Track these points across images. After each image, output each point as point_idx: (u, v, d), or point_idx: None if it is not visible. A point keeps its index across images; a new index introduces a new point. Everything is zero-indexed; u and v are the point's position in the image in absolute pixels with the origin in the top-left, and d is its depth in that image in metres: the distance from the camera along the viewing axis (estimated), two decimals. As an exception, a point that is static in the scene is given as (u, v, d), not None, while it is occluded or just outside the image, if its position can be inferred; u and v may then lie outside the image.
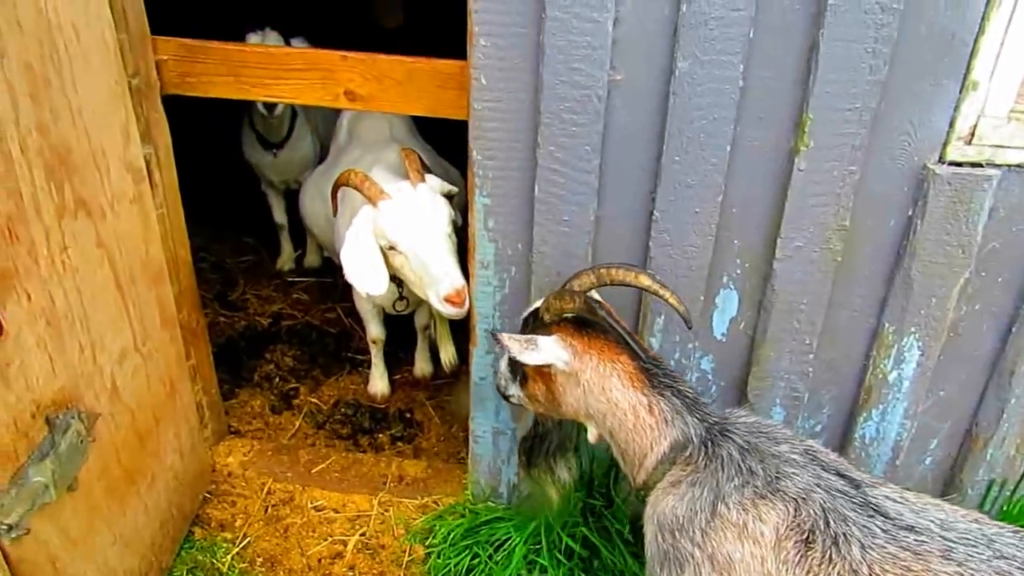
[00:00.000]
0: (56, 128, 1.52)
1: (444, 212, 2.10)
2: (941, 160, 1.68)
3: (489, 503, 2.29)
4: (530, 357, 1.53)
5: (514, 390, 1.70)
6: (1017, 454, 1.99)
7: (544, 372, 1.59)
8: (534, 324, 1.62)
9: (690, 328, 1.63)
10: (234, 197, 3.94)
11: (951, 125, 1.65)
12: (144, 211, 1.92)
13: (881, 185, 1.72)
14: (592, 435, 1.61)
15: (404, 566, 2.23)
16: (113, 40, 1.75)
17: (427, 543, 2.26)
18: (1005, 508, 2.05)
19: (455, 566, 2.15)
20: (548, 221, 1.81)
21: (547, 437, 1.81)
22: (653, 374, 1.50)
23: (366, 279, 2.08)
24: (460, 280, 2.01)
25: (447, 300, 2.01)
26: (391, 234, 2.05)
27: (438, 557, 2.19)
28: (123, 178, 1.81)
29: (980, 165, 1.67)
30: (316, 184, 2.90)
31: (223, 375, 2.71)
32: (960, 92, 1.62)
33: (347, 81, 1.98)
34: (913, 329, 1.84)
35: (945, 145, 1.67)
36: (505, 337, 1.54)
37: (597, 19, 1.58)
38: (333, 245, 2.75)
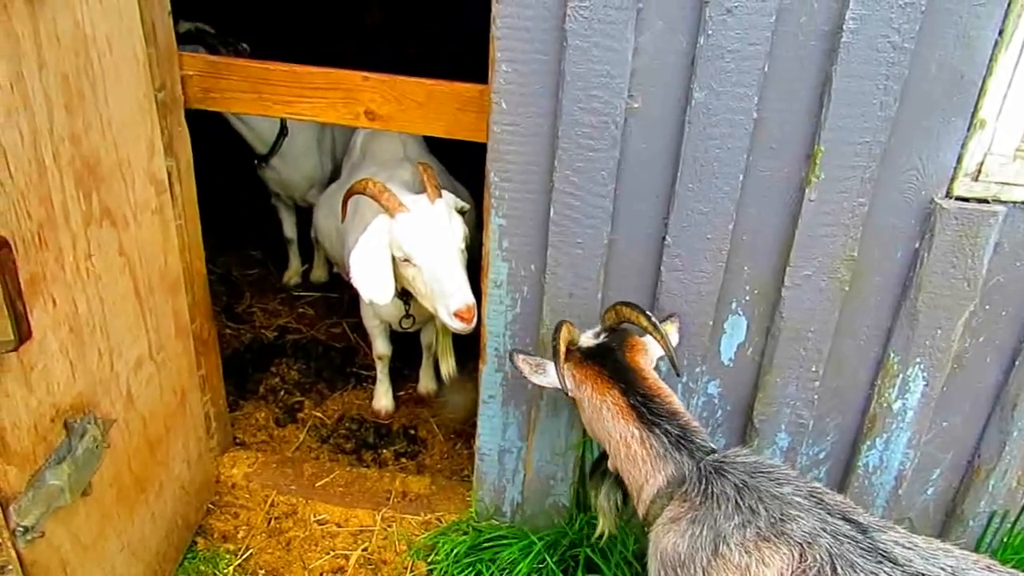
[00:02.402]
0: (87, 139, 1.55)
1: (459, 228, 2.14)
2: (948, 195, 1.72)
3: (493, 521, 2.29)
4: (538, 380, 1.67)
5: None
6: (1019, 485, 2.01)
7: (571, 396, 1.68)
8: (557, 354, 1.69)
9: (678, 375, 1.70)
10: (243, 210, 3.98)
11: (958, 161, 1.69)
12: (164, 222, 1.95)
13: (889, 217, 1.76)
14: (610, 463, 1.66)
15: (406, 583, 2.24)
16: (143, 54, 1.79)
17: (429, 560, 2.27)
18: (1006, 539, 2.06)
19: (458, 584, 2.15)
20: (562, 243, 1.84)
21: (600, 461, 1.84)
22: (641, 411, 1.54)
23: (373, 287, 2.11)
24: (471, 297, 2.05)
25: (457, 315, 2.04)
26: (408, 246, 2.08)
27: (441, 574, 2.19)
28: (146, 189, 1.84)
29: (986, 201, 1.72)
30: (331, 202, 2.94)
31: (229, 387, 2.72)
32: (968, 130, 1.66)
33: (368, 101, 2.02)
34: (918, 360, 1.87)
35: (952, 181, 1.71)
36: (520, 359, 1.68)
37: (617, 48, 1.62)
38: (342, 262, 2.78)
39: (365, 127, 2.13)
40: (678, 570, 1.39)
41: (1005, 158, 1.67)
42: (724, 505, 1.37)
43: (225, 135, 3.29)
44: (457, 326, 2.06)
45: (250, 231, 3.99)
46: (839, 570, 1.25)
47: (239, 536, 2.33)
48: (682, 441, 1.49)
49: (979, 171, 1.69)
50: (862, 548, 1.28)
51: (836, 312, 1.85)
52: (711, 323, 1.90)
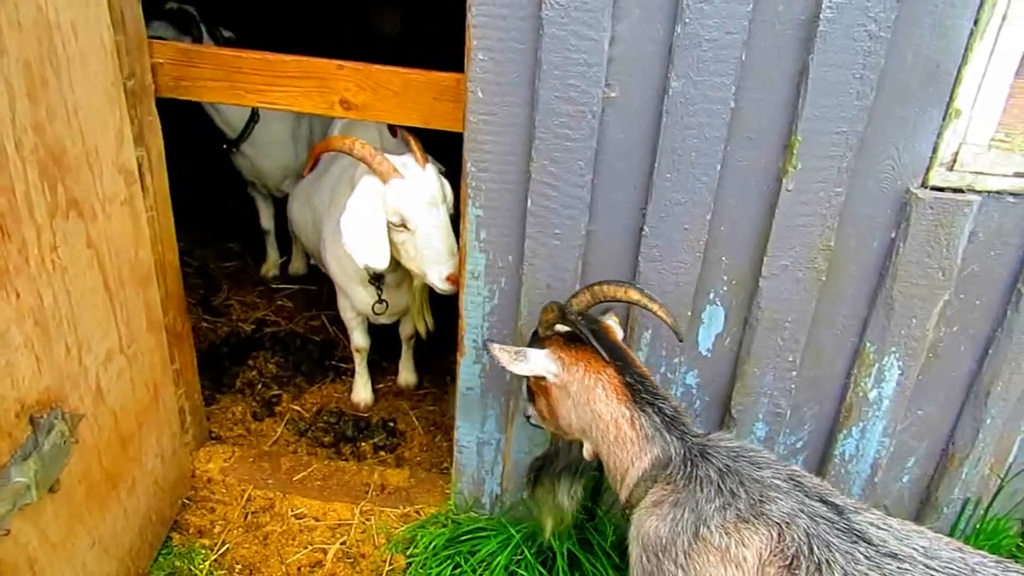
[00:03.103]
0: (52, 128, 1.51)
1: (449, 193, 2.17)
2: (924, 185, 1.73)
3: (472, 513, 2.29)
4: (519, 368, 1.59)
5: (530, 410, 1.76)
6: (991, 473, 2.03)
7: (543, 386, 1.63)
8: (534, 340, 1.67)
9: (680, 340, 1.66)
10: (220, 201, 3.93)
11: (934, 151, 1.70)
12: (135, 213, 1.91)
13: (866, 207, 1.76)
14: (587, 451, 1.63)
15: (384, 576, 2.23)
16: (111, 41, 1.75)
17: (408, 553, 2.25)
18: (979, 526, 2.09)
19: (436, 576, 2.14)
20: (540, 234, 1.83)
21: (556, 458, 1.82)
22: (636, 389, 1.52)
23: (368, 251, 2.10)
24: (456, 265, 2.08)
25: (448, 279, 2.10)
26: (406, 212, 2.09)
27: (420, 567, 2.18)
28: (115, 180, 1.80)
29: (961, 191, 1.72)
30: (305, 192, 2.91)
31: (205, 380, 2.69)
32: (943, 120, 1.67)
33: (343, 90, 1.99)
34: (894, 349, 1.88)
35: (928, 170, 1.71)
36: (496, 348, 1.59)
37: (594, 37, 1.61)
38: (320, 252, 2.75)
39: (341, 116, 2.09)
40: (660, 554, 1.39)
41: (980, 148, 1.68)
42: (707, 488, 1.39)
43: (203, 124, 3.25)
44: (447, 288, 2.11)
45: (228, 223, 3.94)
46: (815, 550, 1.27)
47: (215, 531, 2.30)
48: (673, 423, 1.49)
49: (954, 161, 1.69)
50: (838, 529, 1.30)
51: (813, 302, 1.85)
52: (689, 313, 1.90)
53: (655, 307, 1.58)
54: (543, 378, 1.59)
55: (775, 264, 1.81)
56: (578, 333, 1.55)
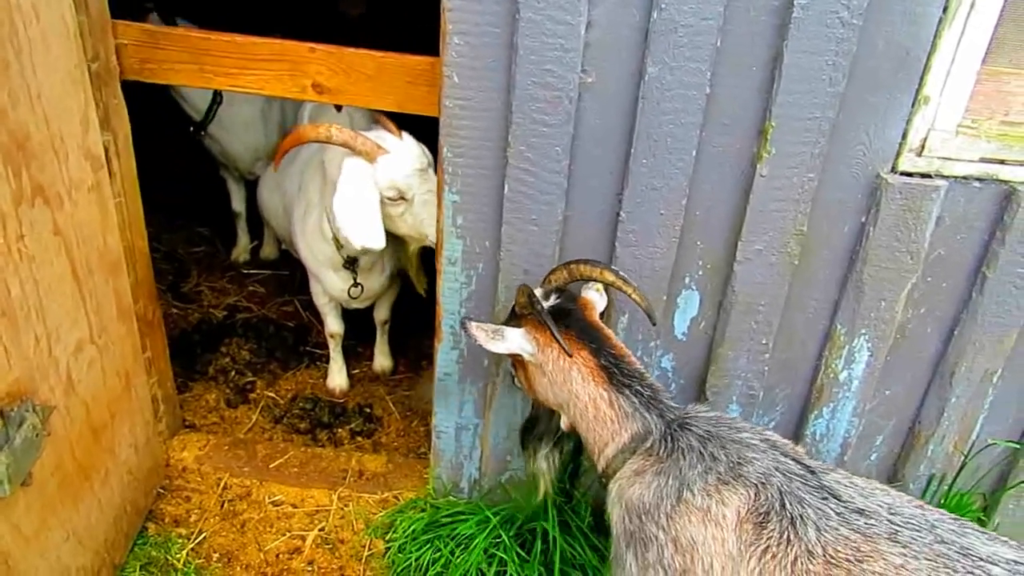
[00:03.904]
0: (15, 113, 1.47)
1: (430, 155, 2.19)
2: (893, 170, 1.76)
3: (450, 498, 2.30)
4: (495, 346, 1.62)
5: (514, 376, 1.79)
6: (955, 451, 2.09)
7: (521, 361, 1.66)
8: (511, 318, 1.69)
9: (654, 324, 1.68)
10: (188, 185, 3.86)
11: (903, 137, 1.72)
12: (102, 200, 1.87)
13: (837, 192, 1.79)
14: (564, 422, 1.67)
15: (364, 561, 2.23)
16: (73, 22, 1.69)
17: (388, 537, 2.26)
18: (943, 501, 2.15)
19: (416, 560, 2.15)
20: (517, 220, 1.83)
21: (536, 423, 1.86)
22: (612, 372, 1.55)
23: (363, 232, 2.10)
24: None
25: None
26: (401, 183, 2.12)
27: (399, 551, 2.19)
28: (81, 166, 1.76)
29: (929, 176, 1.76)
30: (275, 178, 2.86)
31: (177, 368, 2.65)
32: (912, 106, 1.69)
33: (315, 73, 1.96)
34: (863, 331, 1.92)
35: (897, 156, 1.74)
36: (473, 326, 1.61)
37: (570, 22, 1.60)
38: (291, 237, 2.72)
39: (312, 100, 2.06)
40: (643, 516, 1.45)
41: (947, 134, 1.71)
42: (689, 456, 1.44)
43: (168, 105, 3.17)
44: None
45: (196, 207, 3.87)
46: (788, 505, 1.33)
47: (191, 520, 2.29)
48: (652, 401, 1.53)
49: (923, 146, 1.72)
50: (810, 486, 1.36)
51: (786, 286, 1.88)
52: (665, 298, 1.92)
53: (629, 289, 1.61)
54: (519, 355, 1.63)
55: (749, 249, 1.83)
56: (536, 317, 1.57)
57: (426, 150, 2.22)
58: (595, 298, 1.72)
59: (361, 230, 2.10)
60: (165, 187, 3.42)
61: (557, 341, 1.53)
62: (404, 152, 2.15)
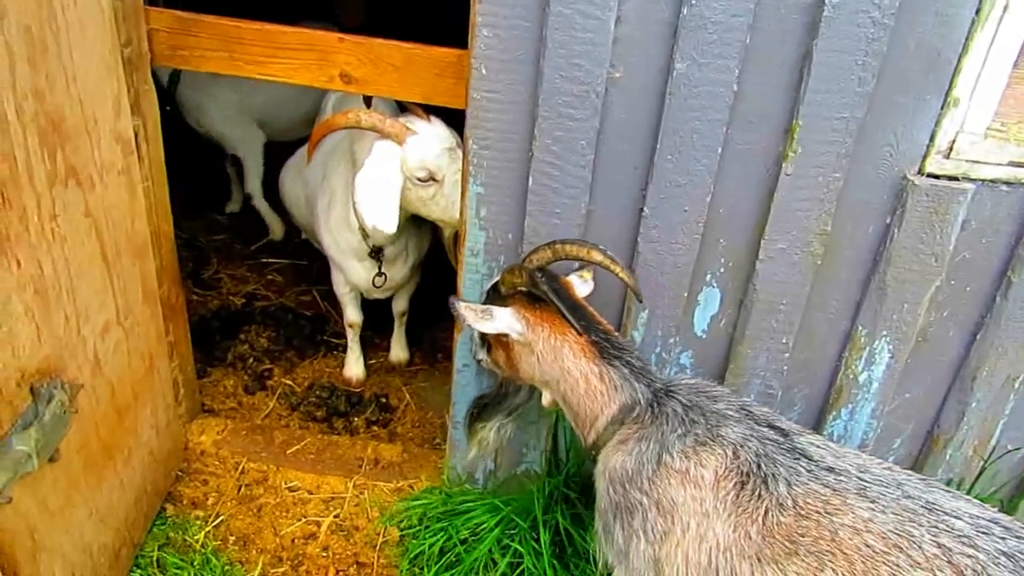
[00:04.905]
0: (51, 95, 1.49)
1: (459, 139, 2.16)
2: (920, 172, 1.75)
3: (465, 487, 2.31)
4: (485, 326, 1.64)
5: (482, 355, 1.82)
6: (974, 455, 2.08)
7: (503, 340, 1.68)
8: (493, 297, 1.72)
9: (640, 301, 1.75)
10: (209, 173, 3.89)
11: (931, 139, 1.71)
12: (131, 183, 1.89)
13: (863, 193, 1.79)
14: (546, 399, 1.71)
15: (378, 548, 2.25)
16: (108, 7, 1.72)
17: (402, 525, 2.28)
18: (959, 507, 2.14)
19: (429, 548, 2.17)
20: (540, 212, 1.84)
21: (505, 399, 1.90)
22: (603, 346, 1.59)
23: (380, 214, 2.11)
24: None
25: None
26: (431, 163, 2.13)
27: (413, 538, 2.21)
28: (112, 149, 1.78)
29: (956, 179, 1.75)
30: (298, 166, 2.88)
31: (196, 354, 2.68)
32: (942, 108, 1.68)
33: (343, 63, 1.98)
34: (885, 333, 1.91)
35: (925, 158, 1.74)
36: (461, 306, 1.64)
37: (600, 17, 1.61)
38: (313, 228, 2.74)
39: (340, 90, 2.08)
40: (626, 484, 1.50)
41: (976, 136, 1.70)
42: (671, 422, 1.50)
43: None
44: None
45: (216, 195, 3.91)
46: (763, 466, 1.40)
47: (209, 503, 2.31)
48: (641, 372, 1.58)
49: (951, 149, 1.72)
50: (783, 448, 1.44)
51: (808, 285, 1.88)
52: (686, 295, 1.92)
53: (616, 268, 1.64)
54: (505, 335, 1.64)
55: (772, 247, 1.83)
56: (542, 296, 1.59)
57: (454, 132, 2.21)
58: (576, 282, 1.76)
59: (377, 210, 2.11)
60: (187, 175, 3.46)
61: (567, 320, 1.56)
62: (433, 133, 2.15)
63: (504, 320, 1.63)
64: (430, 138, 2.15)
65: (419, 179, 2.16)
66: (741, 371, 2.00)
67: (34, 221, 1.47)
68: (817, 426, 2.09)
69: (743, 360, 1.99)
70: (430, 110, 2.18)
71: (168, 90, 3.26)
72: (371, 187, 2.10)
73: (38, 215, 1.48)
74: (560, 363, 1.61)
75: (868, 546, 1.27)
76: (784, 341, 1.95)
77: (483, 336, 1.78)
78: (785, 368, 1.99)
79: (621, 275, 1.65)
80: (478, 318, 1.62)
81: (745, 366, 2.00)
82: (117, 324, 1.86)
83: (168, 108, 3.24)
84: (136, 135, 1.94)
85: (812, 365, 2.02)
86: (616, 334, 1.63)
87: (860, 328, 1.92)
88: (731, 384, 2.02)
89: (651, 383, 1.57)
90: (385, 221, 2.12)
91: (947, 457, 2.08)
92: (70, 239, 1.61)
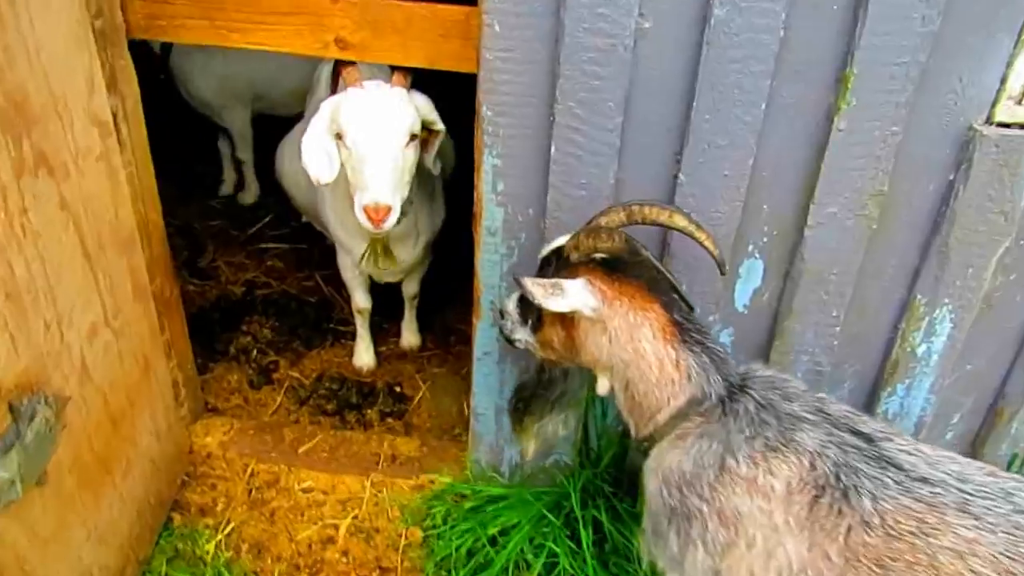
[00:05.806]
0: (11, 72, 1.32)
1: (406, 123, 1.91)
2: (988, 121, 1.58)
3: (491, 481, 2.17)
4: (555, 303, 1.39)
5: (522, 335, 1.58)
6: (1041, 428, 1.94)
7: (565, 318, 1.46)
8: (557, 264, 1.49)
9: (723, 273, 1.56)
10: (202, 154, 3.72)
11: (1002, 83, 1.53)
12: (112, 169, 1.72)
13: (923, 147, 1.61)
14: (603, 386, 1.50)
15: (401, 550, 2.11)
16: (73, -27, 1.53)
17: (425, 525, 2.14)
18: None
19: (456, 550, 2.03)
20: (564, 184, 1.67)
21: (552, 386, 1.69)
22: (686, 328, 1.41)
23: (314, 159, 1.93)
24: (385, 198, 1.85)
25: (365, 210, 1.87)
26: (343, 122, 1.89)
27: (438, 539, 2.07)
28: (88, 132, 1.61)
29: (1029, 127, 1.57)
30: (295, 144, 2.70)
31: (196, 348, 2.52)
32: (1014, 47, 1.50)
33: (338, 27, 1.80)
34: (946, 301, 1.75)
35: (994, 105, 1.56)
36: (529, 282, 1.40)
37: (628, -42, 1.42)
38: (315, 209, 2.57)
39: (336, 57, 1.89)
40: (683, 488, 1.35)
41: (1052, 78, 1.52)
42: (740, 420, 1.34)
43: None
44: (365, 223, 1.89)
45: (211, 178, 3.73)
46: (843, 478, 1.24)
47: (218, 509, 2.17)
48: (721, 363, 1.40)
49: (1024, 93, 1.54)
50: (867, 456, 1.27)
51: (861, 252, 1.71)
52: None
53: (702, 236, 1.47)
54: (574, 311, 1.41)
55: (822, 212, 1.66)
56: (619, 261, 1.41)
57: (420, 110, 1.96)
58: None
59: (311, 156, 1.93)
60: (177, 158, 3.29)
61: (679, 294, 1.40)
62: (369, 95, 1.90)
63: (579, 295, 1.39)
64: (361, 99, 1.90)
65: (338, 135, 1.93)
66: (787, 348, 1.85)
67: (1, 217, 1.30)
68: (870, 404, 1.94)
69: (789, 336, 1.83)
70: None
71: (162, 58, 3.10)
72: (312, 132, 1.93)
73: (5, 210, 1.31)
74: (635, 344, 1.39)
75: (974, 573, 1.11)
76: (834, 314, 1.79)
77: (524, 312, 1.56)
78: (835, 343, 1.84)
79: (706, 243, 1.47)
80: (547, 294, 1.38)
81: (792, 343, 1.84)
82: (105, 325, 1.70)
83: (163, 76, 3.09)
84: (115, 116, 1.76)
85: (865, 339, 1.86)
86: (697, 317, 1.44)
87: (919, 297, 1.76)
88: (776, 363, 1.86)
89: (727, 376, 1.39)
90: (321, 168, 1.93)
91: (1012, 431, 1.93)
92: (45, 235, 1.44)
